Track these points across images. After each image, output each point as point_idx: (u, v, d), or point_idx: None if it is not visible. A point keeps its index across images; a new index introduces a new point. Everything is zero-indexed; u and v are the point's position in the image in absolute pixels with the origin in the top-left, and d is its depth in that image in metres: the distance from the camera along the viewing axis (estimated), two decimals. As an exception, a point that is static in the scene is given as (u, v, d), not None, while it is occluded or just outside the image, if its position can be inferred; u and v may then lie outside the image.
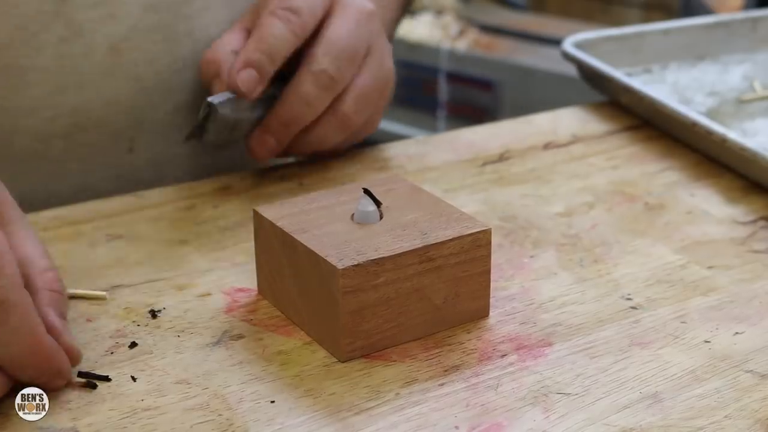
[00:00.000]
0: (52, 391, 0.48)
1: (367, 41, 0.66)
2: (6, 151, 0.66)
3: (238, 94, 0.63)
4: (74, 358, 0.49)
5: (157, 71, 0.69)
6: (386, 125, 2.07)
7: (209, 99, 0.62)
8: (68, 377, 0.48)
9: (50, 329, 0.48)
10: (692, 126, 0.71)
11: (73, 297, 0.55)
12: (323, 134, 0.66)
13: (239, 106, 0.64)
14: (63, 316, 0.50)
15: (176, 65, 0.70)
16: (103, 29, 0.66)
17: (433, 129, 2.03)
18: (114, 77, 0.68)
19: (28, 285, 0.48)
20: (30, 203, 0.61)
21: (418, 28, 2.12)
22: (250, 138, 0.66)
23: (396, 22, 0.80)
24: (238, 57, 0.63)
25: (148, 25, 0.68)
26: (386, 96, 0.69)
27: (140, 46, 0.68)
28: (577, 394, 0.49)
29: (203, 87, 0.67)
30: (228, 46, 0.66)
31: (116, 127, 0.69)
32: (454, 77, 2.05)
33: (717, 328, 0.54)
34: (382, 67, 0.68)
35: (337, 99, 0.65)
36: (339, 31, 0.65)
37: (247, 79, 0.62)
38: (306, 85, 0.64)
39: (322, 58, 0.64)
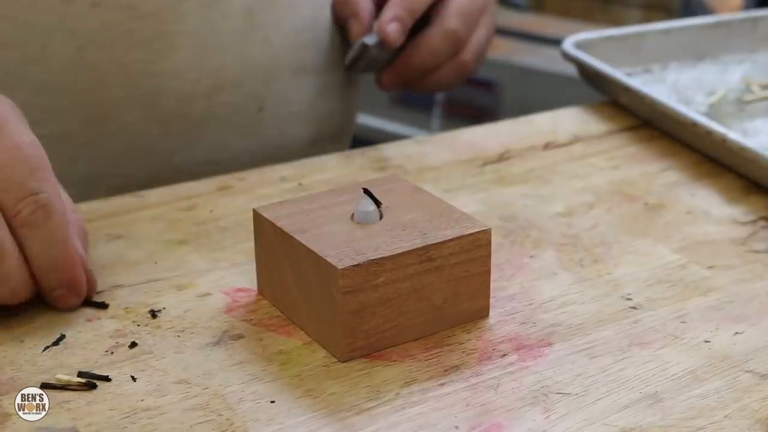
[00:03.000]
0: (64, 308, 0.53)
1: (484, 0, 0.78)
2: (152, 113, 0.71)
3: (386, 42, 0.73)
4: (92, 283, 0.55)
5: (284, 32, 0.75)
6: (386, 125, 2.08)
7: (365, 40, 0.75)
8: (82, 297, 0.54)
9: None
10: (692, 126, 0.71)
11: None
12: (443, 78, 0.78)
13: (381, 49, 0.75)
14: (85, 250, 0.56)
15: (300, 25, 0.76)
16: None
17: (436, 128, 2.03)
18: (248, 40, 0.73)
19: None
20: (169, 164, 0.73)
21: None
22: (382, 74, 0.77)
23: None
24: (386, 12, 0.74)
25: None
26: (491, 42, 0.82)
27: (270, 10, 0.74)
28: (577, 394, 0.49)
29: (337, 24, 0.78)
30: None
31: (249, 87, 0.75)
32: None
33: (717, 328, 0.54)
34: (494, 19, 0.80)
35: (459, 50, 0.76)
36: None
37: (395, 31, 0.73)
38: (436, 41, 0.75)
39: (452, 18, 0.75)
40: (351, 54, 0.77)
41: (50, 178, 0.53)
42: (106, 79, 0.69)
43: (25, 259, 0.52)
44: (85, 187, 0.69)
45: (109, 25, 0.68)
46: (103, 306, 0.54)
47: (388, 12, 0.74)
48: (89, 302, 0.54)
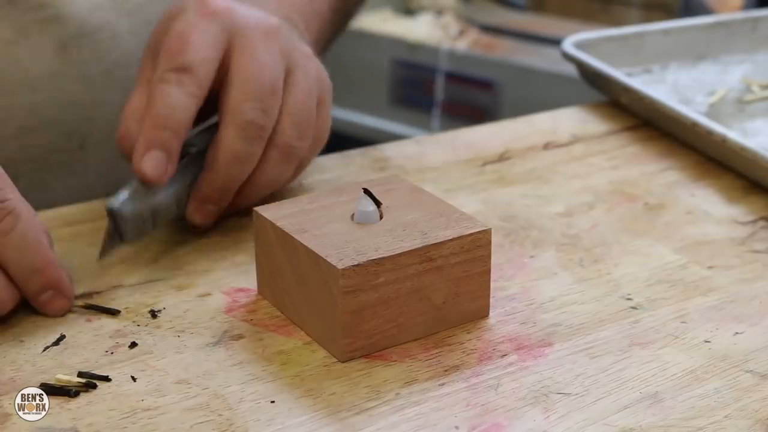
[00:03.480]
0: (55, 313, 0.53)
1: (284, 61, 0.60)
2: None
3: (146, 184, 0.56)
4: (69, 285, 0.54)
5: (105, 69, 0.70)
6: (386, 125, 2.08)
7: (107, 205, 0.56)
8: (71, 297, 0.54)
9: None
10: (692, 126, 0.71)
11: None
12: (270, 175, 0.60)
13: (149, 192, 0.57)
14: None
15: (121, 61, 0.71)
16: (50, 30, 0.68)
17: (436, 128, 2.03)
18: (63, 77, 0.69)
19: None
20: None
21: (418, 28, 2.12)
22: (187, 211, 0.59)
23: (325, 29, 0.74)
24: (138, 141, 0.56)
25: (94, 24, 0.69)
26: (325, 102, 0.63)
27: (87, 45, 0.69)
28: (577, 394, 0.49)
29: (128, 162, 0.58)
30: (135, 115, 0.59)
31: (67, 126, 0.70)
32: (453, 77, 2.05)
33: (717, 328, 0.54)
34: (309, 76, 0.61)
35: (274, 132, 0.59)
36: (250, 67, 0.58)
37: (154, 165, 0.56)
38: (234, 143, 0.57)
39: (242, 105, 0.57)
40: (106, 233, 0.57)
41: (10, 186, 0.52)
42: None
43: (3, 269, 0.52)
44: None
45: None
46: (114, 312, 0.53)
47: (140, 141, 0.56)
48: (90, 375, 0.49)
